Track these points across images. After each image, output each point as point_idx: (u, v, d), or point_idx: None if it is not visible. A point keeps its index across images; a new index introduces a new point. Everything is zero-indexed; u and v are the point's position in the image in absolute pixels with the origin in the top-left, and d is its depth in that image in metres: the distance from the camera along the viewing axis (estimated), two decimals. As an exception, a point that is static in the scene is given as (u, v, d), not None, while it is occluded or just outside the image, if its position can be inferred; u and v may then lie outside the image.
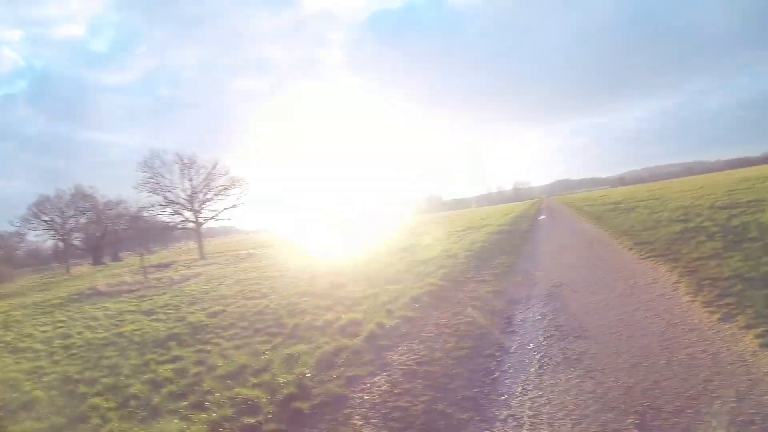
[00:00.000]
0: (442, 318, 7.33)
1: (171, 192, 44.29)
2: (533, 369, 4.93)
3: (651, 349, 5.00)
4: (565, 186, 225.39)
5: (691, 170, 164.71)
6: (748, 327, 5.10)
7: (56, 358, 8.58)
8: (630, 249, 11.59)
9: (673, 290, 7.18)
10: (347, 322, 7.52)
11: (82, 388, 6.48)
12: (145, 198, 45.57)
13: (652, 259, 9.77)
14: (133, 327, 10.15)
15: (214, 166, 45.64)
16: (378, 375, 5.29)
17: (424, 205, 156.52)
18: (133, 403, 5.61)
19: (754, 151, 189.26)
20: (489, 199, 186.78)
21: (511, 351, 5.62)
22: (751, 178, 36.58)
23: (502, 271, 10.99)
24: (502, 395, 4.44)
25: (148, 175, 43.72)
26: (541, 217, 33.18)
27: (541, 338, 5.91)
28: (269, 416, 4.57)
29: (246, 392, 5.14)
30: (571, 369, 4.77)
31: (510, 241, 18.13)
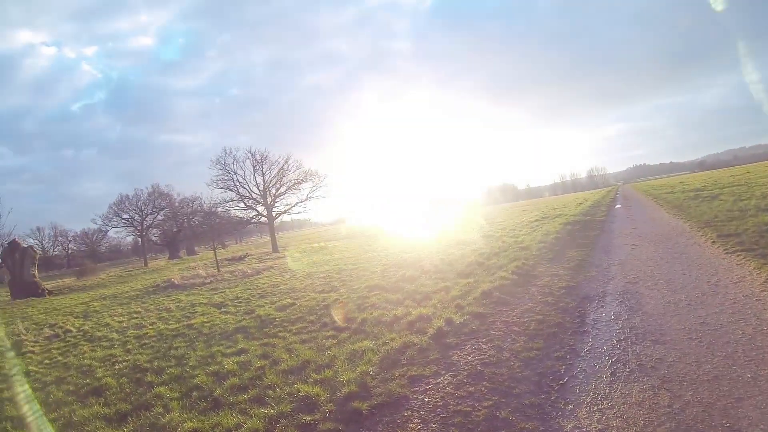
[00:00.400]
0: (512, 315, 7.12)
1: (244, 188, 45.57)
2: (605, 376, 4.66)
3: (736, 359, 4.59)
4: (641, 172, 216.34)
5: None
6: None
7: (129, 347, 9.08)
8: (713, 242, 10.81)
9: (763, 291, 6.58)
10: (416, 317, 7.46)
11: (149, 377, 6.81)
12: (219, 194, 47.24)
13: (738, 253, 9.04)
14: (203, 319, 10.57)
15: (287, 161, 46.52)
16: (442, 375, 5.18)
17: (499, 195, 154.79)
18: (195, 393, 5.80)
19: None
20: (563, 188, 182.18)
21: (582, 354, 5.35)
22: None
23: (575, 265, 10.60)
24: (570, 404, 4.22)
25: (221, 172, 45.11)
26: (617, 206, 31.81)
27: (615, 341, 5.59)
28: (326, 415, 4.57)
29: (306, 389, 5.17)
30: (646, 378, 4.47)
31: (584, 232, 17.44)
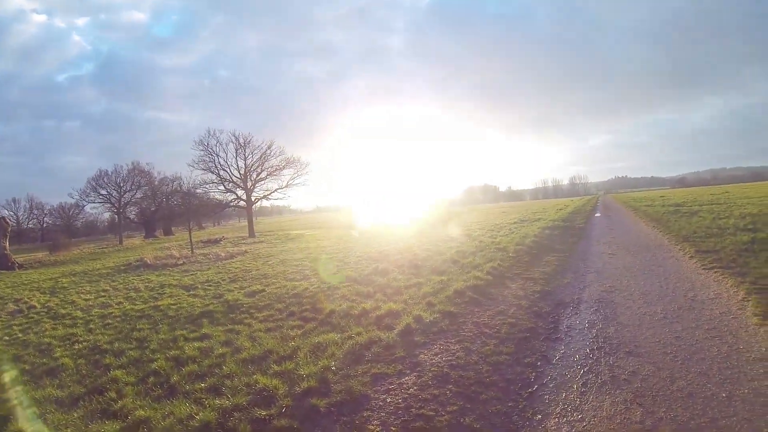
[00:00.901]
0: (484, 316, 6.91)
1: (225, 170, 45.00)
2: (576, 386, 4.46)
3: (710, 377, 4.43)
4: (622, 183, 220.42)
5: (759, 176, 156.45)
6: None
7: (91, 326, 8.74)
8: (691, 257, 10.77)
9: (739, 309, 6.47)
10: (385, 312, 7.24)
11: (107, 359, 6.52)
12: (200, 175, 46.62)
13: (716, 270, 8.97)
14: (170, 301, 10.24)
15: (270, 146, 46.03)
16: (407, 375, 4.94)
17: (480, 195, 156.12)
18: (152, 379, 5.54)
19: None
20: (544, 193, 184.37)
21: (554, 362, 5.15)
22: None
23: (552, 270, 10.46)
24: (538, 414, 4.01)
25: (203, 153, 44.48)
26: (597, 215, 32.01)
27: (588, 350, 5.41)
28: (282, 410, 4.31)
29: (265, 381, 4.90)
30: (618, 391, 4.27)
31: (563, 237, 17.42)
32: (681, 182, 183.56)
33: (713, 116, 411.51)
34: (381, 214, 52.89)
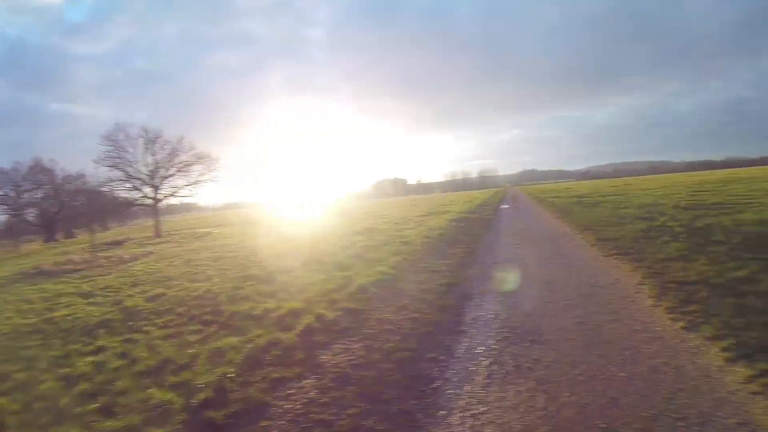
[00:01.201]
0: (387, 312, 6.74)
1: (132, 167, 42.41)
2: (480, 378, 4.38)
3: (610, 359, 4.53)
4: (531, 176, 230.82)
5: (655, 169, 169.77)
6: (714, 338, 4.73)
7: (-27, 348, 7.73)
8: (593, 245, 11.27)
9: (636, 292, 6.79)
10: (287, 311, 6.89)
11: (-10, 385, 5.72)
12: (105, 172, 43.60)
13: (615, 257, 9.43)
14: (65, 312, 9.30)
15: (179, 141, 43.71)
16: (306, 379, 4.67)
17: (389, 188, 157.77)
18: (39, 404, 4.84)
19: (718, 156, 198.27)
20: (454, 185, 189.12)
21: (458, 355, 5.06)
22: (714, 181, 37.35)
23: (457, 262, 10.53)
24: (442, 410, 3.88)
25: (110, 148, 41.59)
26: (504, 206, 33.10)
27: (493, 341, 5.37)
28: (177, 427, 3.91)
29: (160, 394, 4.47)
30: (522, 380, 4.24)
31: (470, 229, 17.80)
32: (585, 175, 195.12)
33: (616, 114, 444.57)
34: (291, 208, 52.23)
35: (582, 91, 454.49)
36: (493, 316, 6.37)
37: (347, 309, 6.87)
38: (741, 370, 4.04)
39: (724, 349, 4.45)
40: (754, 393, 3.67)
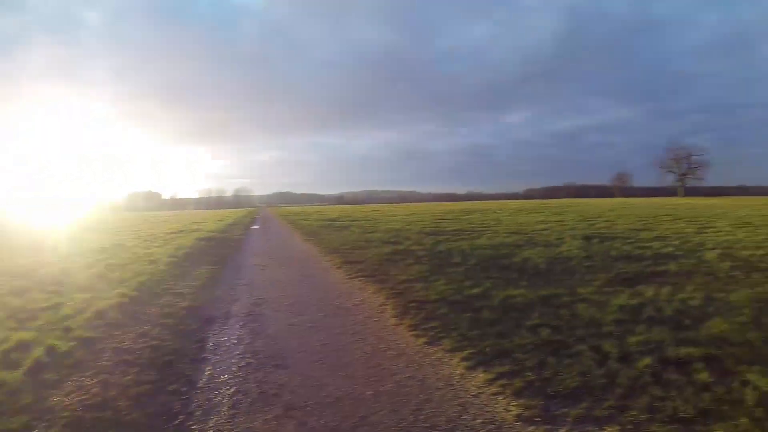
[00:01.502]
0: (126, 340, 5.98)
1: None
2: (224, 409, 4.10)
3: (357, 378, 4.68)
4: (286, 198, 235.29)
5: (405, 198, 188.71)
6: (454, 350, 5.24)
7: None
8: (339, 267, 11.72)
9: (380, 312, 7.19)
10: (15, 344, 5.57)
11: None
12: None
13: (360, 279, 9.90)
14: None
15: None
16: (33, 429, 3.78)
17: (142, 202, 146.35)
18: None
19: (461, 189, 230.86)
20: (208, 203, 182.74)
21: (200, 385, 4.70)
22: (456, 211, 42.92)
23: (202, 284, 10.00)
24: (184, 448, 3.54)
25: None
26: (255, 227, 32.98)
27: (236, 368, 5.14)
28: None
29: None
30: (269, 407, 4.09)
31: (218, 249, 17.26)
32: (340, 200, 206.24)
33: (373, 146, 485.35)
34: (31, 218, 44.35)
35: (343, 121, 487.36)
36: (236, 340, 6.14)
37: (83, 338, 5.89)
38: (481, 375, 4.53)
39: (463, 359, 4.95)
40: (495, 394, 4.15)
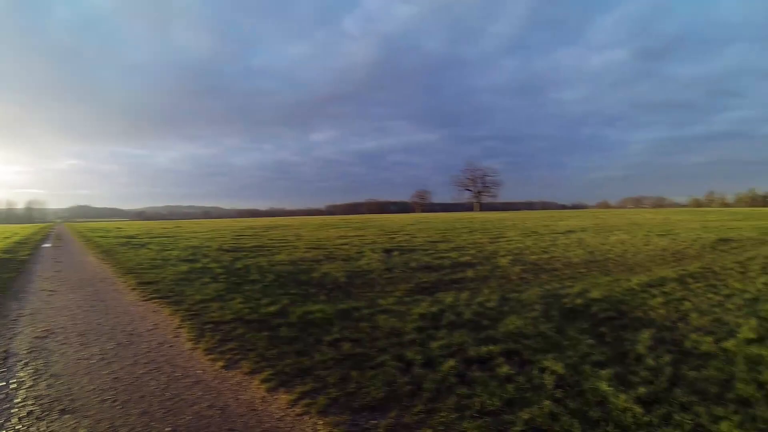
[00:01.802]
0: None
1: None
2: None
3: (153, 414, 4.28)
4: (84, 213, 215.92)
5: (208, 214, 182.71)
6: (253, 372, 5.12)
7: None
8: (133, 289, 10.77)
9: (175, 336, 6.74)
10: None
11: None
12: None
13: (155, 300, 9.21)
14: None
15: None
16: None
17: None
18: None
19: (263, 205, 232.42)
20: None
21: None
22: (258, 227, 42.21)
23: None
24: None
25: None
26: (47, 245, 28.77)
27: (15, 420, 4.33)
28: None
29: None
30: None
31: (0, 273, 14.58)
32: (141, 215, 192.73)
33: (177, 158, 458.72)
34: None
35: (149, 131, 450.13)
36: (16, 385, 5.19)
37: None
38: (283, 396, 4.46)
39: (264, 381, 4.83)
40: (300, 414, 4.10)
